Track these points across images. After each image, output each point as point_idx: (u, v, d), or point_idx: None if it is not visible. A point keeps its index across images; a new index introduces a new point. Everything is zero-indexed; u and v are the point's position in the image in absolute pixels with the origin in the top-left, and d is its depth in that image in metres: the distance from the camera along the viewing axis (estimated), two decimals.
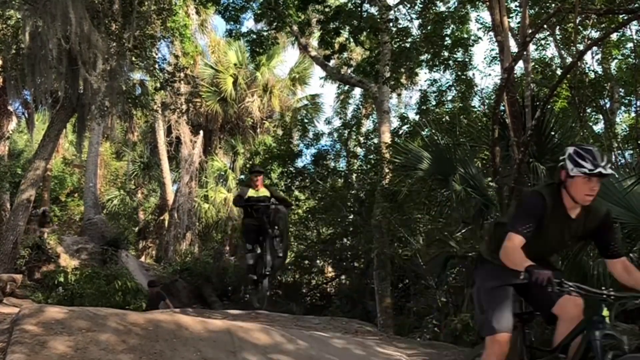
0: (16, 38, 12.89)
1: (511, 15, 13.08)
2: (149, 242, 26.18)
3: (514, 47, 10.90)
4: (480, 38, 15.15)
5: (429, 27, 14.02)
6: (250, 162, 19.66)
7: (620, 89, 14.46)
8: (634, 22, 10.52)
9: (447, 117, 14.09)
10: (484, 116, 13.04)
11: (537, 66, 14.39)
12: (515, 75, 9.45)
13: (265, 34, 14.71)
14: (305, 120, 22.75)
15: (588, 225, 3.51)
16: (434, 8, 14.55)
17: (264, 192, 8.55)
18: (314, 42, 18.40)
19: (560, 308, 3.43)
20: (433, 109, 15.72)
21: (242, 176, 22.55)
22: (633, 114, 14.51)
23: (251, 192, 8.34)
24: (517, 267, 3.20)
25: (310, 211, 17.19)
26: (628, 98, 14.63)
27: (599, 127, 14.72)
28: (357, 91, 22.49)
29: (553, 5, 10.99)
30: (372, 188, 14.47)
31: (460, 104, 14.81)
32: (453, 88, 15.23)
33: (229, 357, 5.02)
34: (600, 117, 14.31)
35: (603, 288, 3.33)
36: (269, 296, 16.90)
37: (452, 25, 14.49)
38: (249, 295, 8.95)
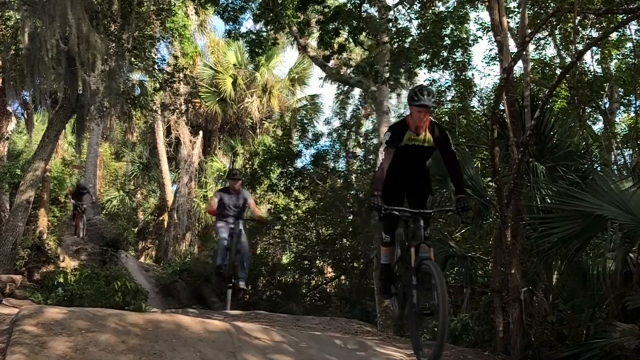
0: (15, 39, 12.88)
1: (510, 15, 13.09)
2: (149, 243, 26.19)
3: (513, 47, 10.90)
4: (480, 37, 15.16)
5: (427, 27, 14.02)
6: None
7: (620, 89, 14.46)
8: (634, 22, 10.52)
9: (446, 117, 14.09)
10: (483, 116, 13.05)
11: (536, 66, 14.39)
12: (514, 75, 9.45)
13: (264, 34, 14.71)
14: (305, 121, 22.77)
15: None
16: (433, 8, 14.56)
17: (428, 138, 5.22)
18: (313, 42, 18.41)
19: None
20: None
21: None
22: (632, 114, 14.52)
23: (410, 136, 5.18)
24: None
25: (309, 211, 17.20)
26: (627, 98, 14.64)
27: (598, 127, 14.74)
28: (357, 91, 22.51)
29: (552, 5, 11.00)
30: (372, 188, 14.46)
31: (459, 104, 14.80)
32: (452, 88, 15.22)
33: (228, 357, 5.02)
34: (600, 117, 14.32)
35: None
36: (268, 296, 16.14)
37: (451, 25, 14.49)
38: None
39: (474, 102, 15.35)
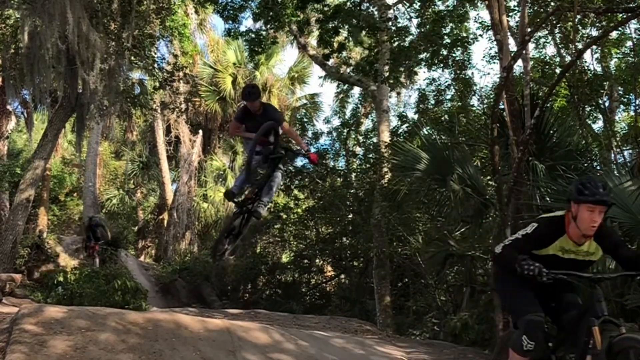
0: (15, 37, 12.87)
1: (510, 14, 13.07)
2: (148, 242, 26.18)
3: (513, 45, 10.91)
4: (481, 35, 15.16)
5: (427, 26, 14.02)
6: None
7: (620, 88, 14.46)
8: (633, 21, 10.52)
9: (446, 116, 14.09)
10: (483, 115, 13.05)
11: (536, 65, 14.39)
12: (514, 74, 9.46)
13: (264, 33, 14.70)
14: (305, 120, 22.78)
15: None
16: (432, 7, 14.55)
17: (593, 249, 3.82)
18: (312, 41, 18.40)
19: None
20: (432, 108, 15.73)
21: None
22: (632, 113, 14.52)
23: (564, 244, 3.76)
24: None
25: (309, 210, 17.19)
26: (627, 97, 14.63)
27: (598, 126, 14.74)
28: (356, 90, 22.53)
29: (552, 3, 10.99)
30: (372, 187, 14.48)
31: (459, 103, 14.81)
32: (452, 87, 15.22)
33: (228, 356, 5.02)
34: (600, 115, 14.32)
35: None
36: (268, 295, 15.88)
37: (450, 24, 14.49)
38: None
39: (474, 101, 15.38)
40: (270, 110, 6.97)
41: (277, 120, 6.79)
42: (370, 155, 16.61)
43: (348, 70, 17.65)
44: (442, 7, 14.87)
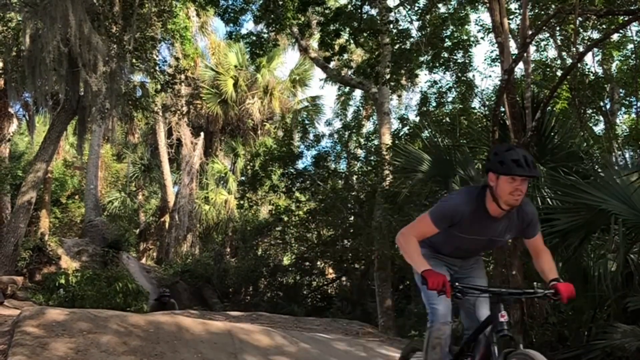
0: (17, 40, 12.91)
1: (511, 16, 13.09)
2: (150, 244, 26.20)
3: (514, 48, 10.91)
4: (482, 38, 15.19)
5: (428, 29, 14.03)
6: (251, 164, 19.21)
7: (621, 90, 14.46)
8: (634, 23, 10.53)
9: (447, 119, 14.09)
10: (484, 117, 13.04)
11: (537, 67, 14.40)
12: (515, 77, 9.46)
13: (265, 36, 14.72)
14: (306, 122, 22.78)
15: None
16: (434, 10, 14.56)
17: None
18: (314, 43, 18.43)
19: None
20: (433, 110, 15.72)
21: (243, 177, 22.50)
22: (633, 115, 14.51)
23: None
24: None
25: (310, 213, 17.19)
26: (628, 99, 14.64)
27: (599, 128, 14.74)
28: (358, 93, 22.55)
29: (553, 6, 11.00)
30: (373, 189, 14.46)
31: (460, 106, 14.81)
32: (453, 89, 15.23)
33: (229, 358, 5.02)
34: (601, 118, 14.32)
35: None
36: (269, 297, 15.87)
37: (452, 27, 14.50)
38: None
39: (475, 104, 15.36)
40: (527, 210, 3.50)
41: (535, 231, 3.57)
42: (372, 158, 16.59)
43: (349, 72, 17.66)
44: (443, 10, 14.89)
